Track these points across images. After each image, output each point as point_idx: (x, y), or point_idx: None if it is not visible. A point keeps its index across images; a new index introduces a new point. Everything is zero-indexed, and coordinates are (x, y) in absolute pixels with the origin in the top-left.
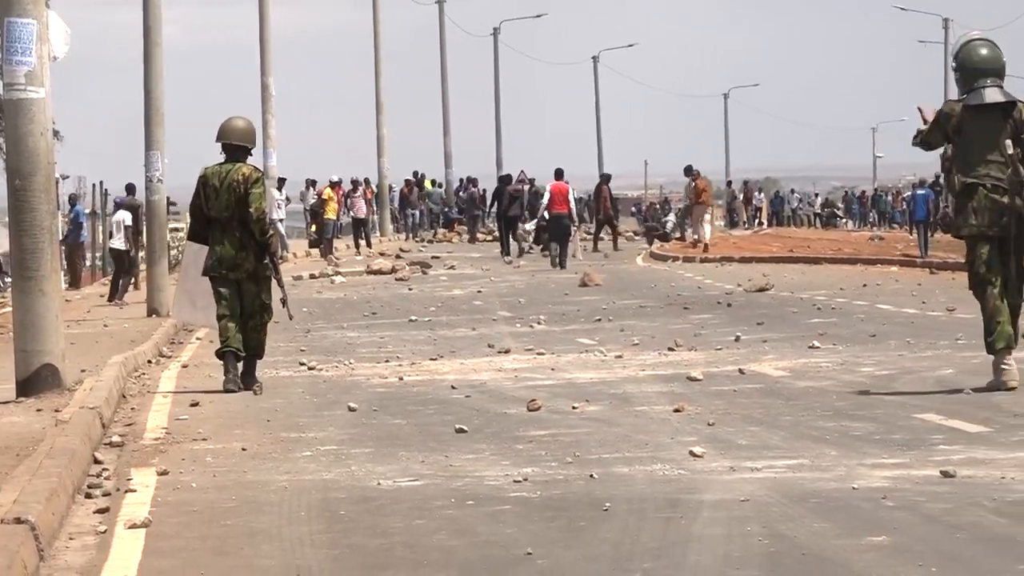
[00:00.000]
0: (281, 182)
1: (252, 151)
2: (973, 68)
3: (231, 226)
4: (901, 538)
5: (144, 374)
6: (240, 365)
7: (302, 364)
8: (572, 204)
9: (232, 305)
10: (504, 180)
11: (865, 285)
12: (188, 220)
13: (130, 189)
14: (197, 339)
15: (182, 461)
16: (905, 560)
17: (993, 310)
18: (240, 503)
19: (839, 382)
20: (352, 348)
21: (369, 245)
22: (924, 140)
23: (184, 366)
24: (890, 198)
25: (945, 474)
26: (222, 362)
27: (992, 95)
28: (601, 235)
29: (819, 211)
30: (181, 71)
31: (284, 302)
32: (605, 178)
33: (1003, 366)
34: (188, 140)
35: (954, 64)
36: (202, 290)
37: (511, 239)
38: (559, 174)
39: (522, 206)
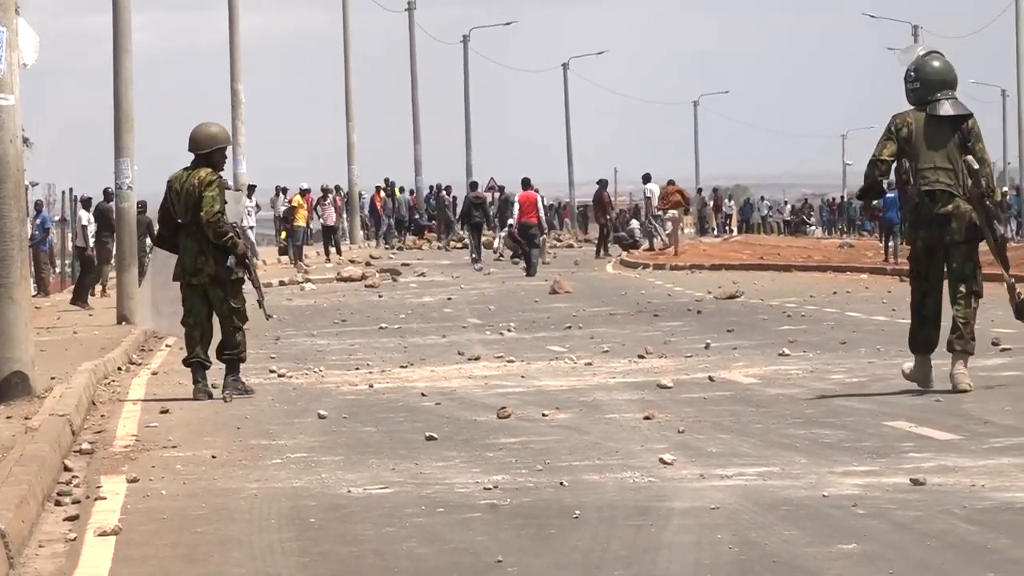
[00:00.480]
0: (251, 189)
1: (225, 152)
2: (929, 80)
3: (191, 231)
4: (871, 546)
5: (114, 381)
6: (209, 373)
7: (272, 371)
8: (541, 212)
9: (198, 313)
10: (472, 187)
11: (835, 292)
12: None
13: (108, 196)
14: (167, 346)
15: (152, 468)
16: (875, 568)
17: (923, 318)
18: (210, 511)
19: (809, 389)
20: (322, 355)
21: (339, 253)
22: (877, 164)
23: (154, 373)
24: (858, 205)
25: (915, 482)
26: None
27: (949, 108)
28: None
29: (788, 218)
30: (151, 77)
31: (260, 303)
32: (603, 184)
33: (931, 367)
34: (158, 146)
35: (912, 75)
36: (167, 297)
37: (480, 245)
38: (527, 183)
39: (485, 212)
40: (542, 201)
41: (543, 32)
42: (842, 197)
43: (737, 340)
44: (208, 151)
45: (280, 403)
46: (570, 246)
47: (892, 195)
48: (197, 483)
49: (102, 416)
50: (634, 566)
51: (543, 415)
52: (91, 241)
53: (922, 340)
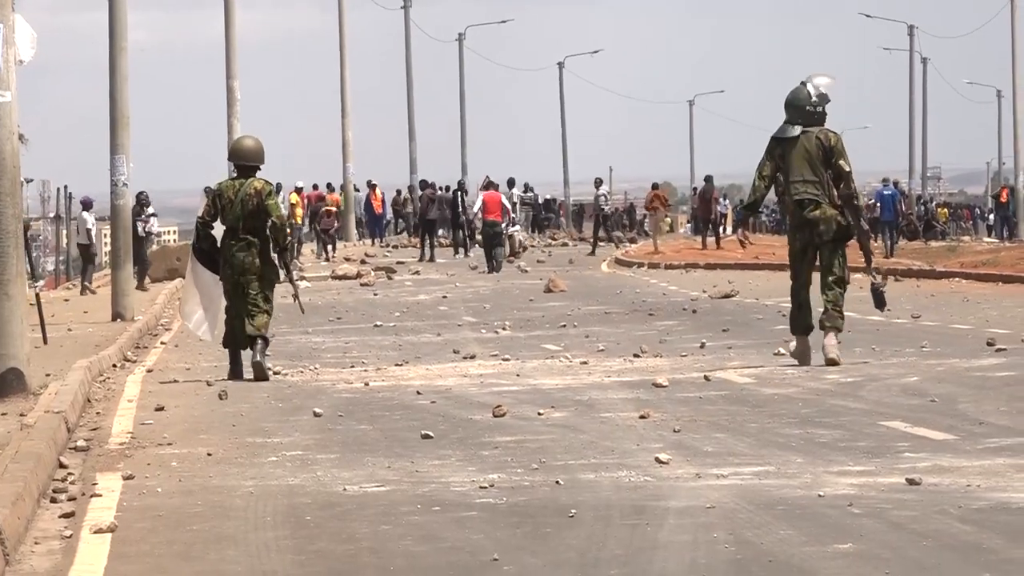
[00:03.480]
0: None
1: (261, 167)
2: (787, 106)
3: (240, 234)
4: (867, 545)
5: (109, 379)
6: (247, 355)
7: (267, 369)
8: (508, 208)
9: (239, 304)
10: (422, 185)
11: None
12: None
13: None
14: (162, 344)
15: (148, 466)
16: (871, 567)
17: (799, 305)
18: (206, 508)
19: (805, 389)
20: (317, 353)
21: (334, 250)
22: (759, 180)
23: (149, 371)
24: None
25: (911, 482)
26: (228, 352)
27: (793, 130)
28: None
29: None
30: (146, 74)
31: (296, 297)
32: (709, 180)
33: (808, 346)
34: (154, 143)
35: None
36: (215, 307)
37: (430, 243)
38: (489, 184)
39: (441, 210)
40: (506, 200)
41: (538, 31)
42: None
43: (732, 339)
44: (259, 164)
45: (275, 401)
46: (565, 244)
47: (889, 192)
48: (193, 480)
49: (97, 413)
50: (630, 565)
51: (539, 414)
52: (93, 238)
53: (800, 323)
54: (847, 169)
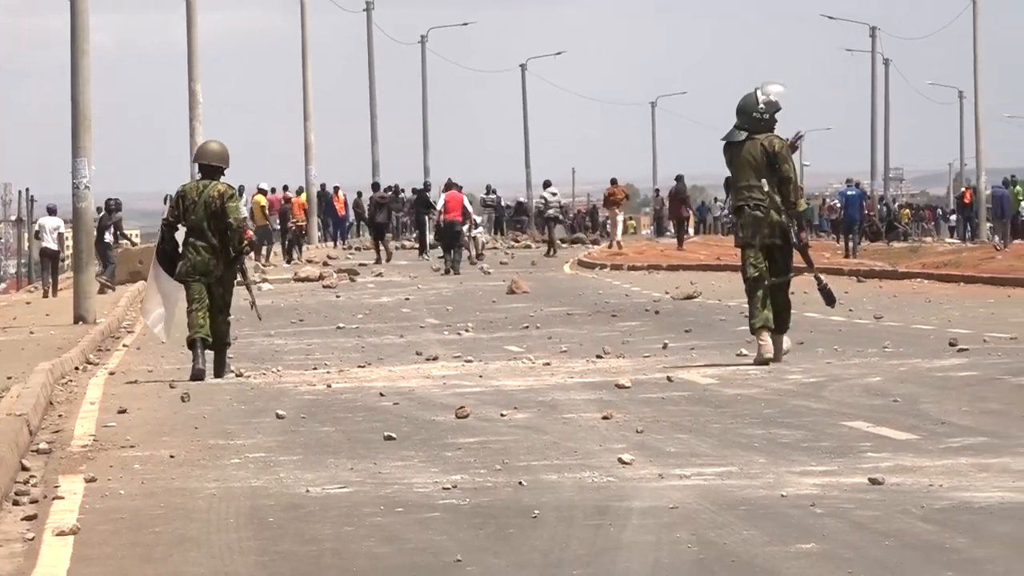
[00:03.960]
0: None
1: (226, 170)
2: (737, 112)
3: (205, 236)
4: (830, 545)
5: (71, 381)
6: (210, 355)
7: (230, 371)
8: (469, 211)
9: (202, 298)
10: (374, 188)
11: (793, 293)
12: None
13: (117, 206)
14: (124, 346)
15: (110, 468)
16: (834, 567)
17: (757, 300)
18: (168, 510)
19: (767, 390)
20: (280, 355)
21: (300, 254)
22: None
23: (111, 373)
24: (814, 206)
25: (873, 481)
26: (191, 350)
27: (739, 135)
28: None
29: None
30: (108, 77)
31: (253, 304)
32: (680, 179)
33: (760, 342)
34: (116, 147)
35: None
36: (173, 308)
37: (381, 245)
38: (451, 184)
39: (389, 213)
40: (467, 202)
41: (501, 33)
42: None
43: (695, 340)
44: (224, 166)
45: (238, 403)
46: (528, 246)
47: (854, 193)
48: (155, 483)
49: (60, 416)
50: (593, 565)
51: (501, 415)
52: (60, 243)
53: (759, 321)
54: (790, 175)
